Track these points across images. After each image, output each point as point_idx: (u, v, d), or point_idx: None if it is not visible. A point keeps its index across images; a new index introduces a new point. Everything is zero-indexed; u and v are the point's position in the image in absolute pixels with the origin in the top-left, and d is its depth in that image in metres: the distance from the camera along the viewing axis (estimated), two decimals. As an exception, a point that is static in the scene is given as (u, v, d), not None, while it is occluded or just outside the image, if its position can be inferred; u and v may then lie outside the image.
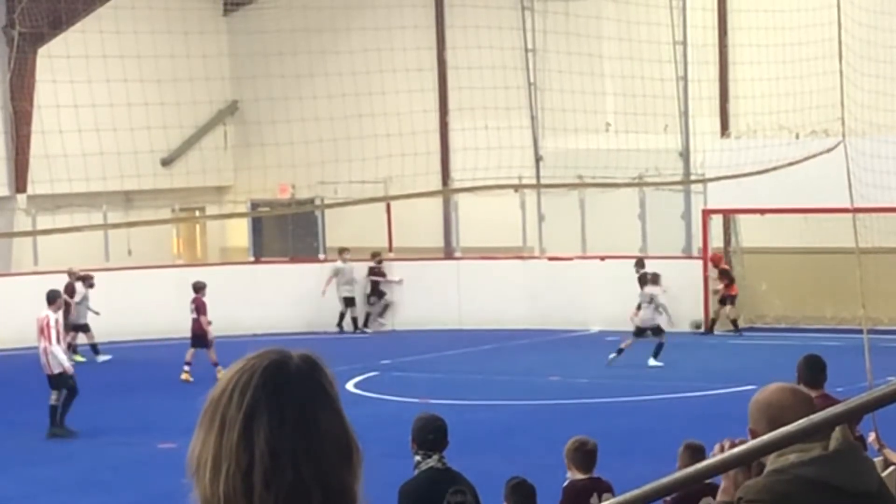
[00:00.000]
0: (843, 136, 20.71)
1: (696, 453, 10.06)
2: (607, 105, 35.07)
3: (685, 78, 34.42)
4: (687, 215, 34.23)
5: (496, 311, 33.64)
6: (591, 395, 24.23)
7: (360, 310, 35.00)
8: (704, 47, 34.16)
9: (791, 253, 33.05)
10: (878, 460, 10.60)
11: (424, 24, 36.74)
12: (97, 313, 30.81)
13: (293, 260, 36.92)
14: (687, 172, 34.04)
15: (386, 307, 35.15)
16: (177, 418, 19.32)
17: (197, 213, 38.62)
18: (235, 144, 39.59)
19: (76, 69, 31.25)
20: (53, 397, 21.89)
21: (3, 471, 19.52)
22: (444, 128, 37.43)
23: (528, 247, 35.85)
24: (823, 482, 4.31)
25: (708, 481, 6.81)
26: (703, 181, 31.44)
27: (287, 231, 38.90)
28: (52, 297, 22.59)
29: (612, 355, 27.70)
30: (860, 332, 17.57)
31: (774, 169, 23.74)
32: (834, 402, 7.91)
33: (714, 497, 5.17)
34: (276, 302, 33.96)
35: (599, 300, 33.12)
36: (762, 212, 32.18)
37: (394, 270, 35.19)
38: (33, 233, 32.82)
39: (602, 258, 33.73)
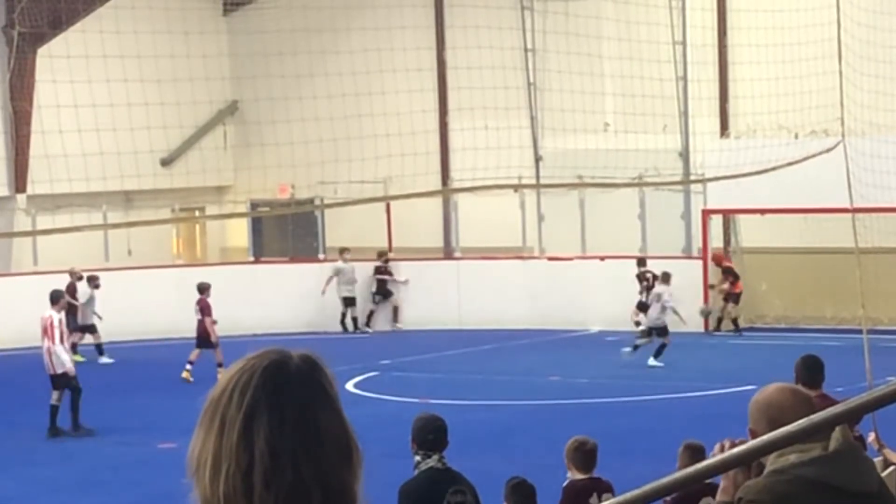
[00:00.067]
0: (843, 136, 20.72)
1: (696, 453, 10.06)
2: (607, 105, 35.07)
3: (685, 78, 34.43)
4: (687, 215, 34.23)
5: (496, 311, 33.65)
6: (591, 395, 24.23)
7: (361, 309, 34.96)
8: (704, 47, 34.16)
9: (791, 253, 33.06)
10: (878, 460, 10.60)
11: (424, 24, 36.74)
12: (100, 318, 30.83)
13: (293, 260, 36.92)
14: (686, 172, 34.04)
15: (396, 310, 35.08)
16: (177, 418, 19.31)
17: (197, 213, 38.62)
18: (235, 144, 39.59)
19: (76, 69, 31.25)
20: (54, 397, 21.88)
21: (3, 471, 19.53)
22: (443, 128, 37.44)
23: (527, 247, 35.85)
24: (823, 482, 4.31)
25: (708, 481, 6.81)
26: (703, 181, 31.45)
27: (287, 231, 38.90)
28: (55, 297, 22.60)
29: (627, 349, 27.80)
30: (860, 332, 17.56)
31: (774, 169, 23.75)
32: (832, 402, 7.90)
33: (714, 497, 5.17)
34: (276, 302, 33.96)
35: (599, 300, 33.13)
36: (762, 212, 32.18)
37: (400, 270, 35.15)
38: (33, 233, 32.82)
39: (602, 258, 33.73)
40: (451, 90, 37.01)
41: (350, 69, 34.35)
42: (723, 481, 4.54)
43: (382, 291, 35.11)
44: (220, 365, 25.14)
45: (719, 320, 32.83)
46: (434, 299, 34.39)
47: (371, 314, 35.11)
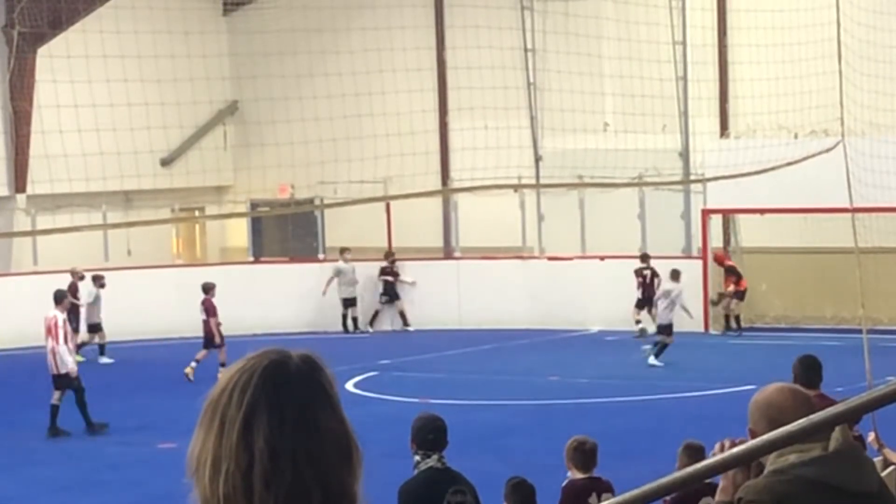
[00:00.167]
0: (843, 135, 20.72)
1: (696, 453, 10.06)
2: (607, 105, 35.08)
3: (685, 78, 34.43)
4: (686, 215, 34.23)
5: (496, 311, 33.64)
6: (591, 395, 24.22)
7: (362, 309, 34.93)
8: (704, 47, 34.17)
9: (791, 253, 33.06)
10: (878, 460, 10.60)
11: (424, 24, 36.74)
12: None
13: (293, 260, 36.91)
14: (686, 172, 34.05)
15: (403, 314, 34.98)
16: (177, 418, 19.34)
17: (197, 213, 38.62)
18: (235, 144, 39.58)
19: (76, 69, 31.25)
20: (55, 397, 21.88)
21: (3, 471, 19.52)
22: (443, 128, 37.44)
23: (527, 247, 35.85)
24: (823, 482, 4.31)
25: (707, 481, 6.81)
26: (703, 181, 31.45)
27: (287, 231, 38.91)
28: (59, 297, 22.61)
29: (647, 347, 27.83)
30: (860, 332, 17.56)
31: (774, 169, 23.76)
32: (831, 402, 7.90)
33: (713, 497, 5.17)
34: (276, 302, 33.95)
35: (599, 300, 33.13)
36: (762, 212, 32.19)
37: (407, 271, 35.06)
38: (33, 233, 32.82)
39: (602, 258, 33.74)
40: (451, 90, 37.00)
41: (350, 69, 34.35)
42: (722, 481, 4.54)
43: (389, 293, 35.01)
44: (222, 365, 25.13)
45: (726, 318, 32.86)
46: (434, 299, 34.38)
47: (376, 314, 35.02)
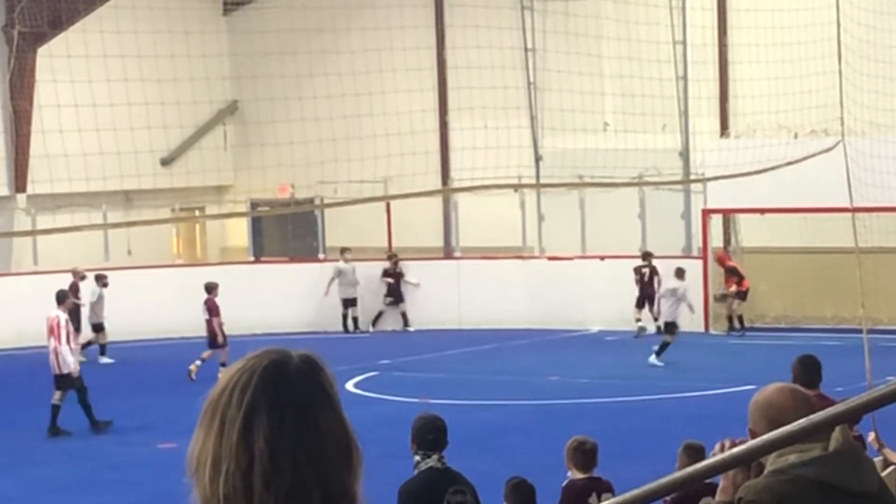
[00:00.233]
0: (843, 135, 20.72)
1: (696, 453, 10.06)
2: (607, 105, 35.09)
3: (685, 78, 34.44)
4: (687, 215, 34.24)
5: (496, 311, 33.64)
6: (591, 395, 24.22)
7: (363, 309, 34.90)
8: (704, 47, 34.17)
9: (791, 253, 33.06)
10: (878, 460, 10.60)
11: (424, 24, 36.75)
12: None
13: (293, 260, 36.91)
14: (686, 172, 34.05)
15: (405, 315, 34.96)
16: (177, 418, 19.34)
17: (197, 213, 38.62)
18: (235, 144, 39.59)
19: (76, 69, 31.25)
20: (56, 396, 21.88)
21: (3, 471, 19.52)
22: (443, 127, 37.44)
23: (527, 247, 35.84)
24: (823, 482, 4.31)
25: (708, 481, 6.81)
26: (703, 181, 31.46)
27: (287, 231, 38.91)
28: (61, 298, 22.62)
29: (674, 350, 27.91)
30: (860, 331, 17.57)
31: (774, 168, 23.76)
32: (830, 402, 7.90)
33: (714, 497, 5.17)
34: (276, 302, 33.95)
35: (599, 300, 33.13)
36: (762, 211, 32.19)
37: (411, 271, 34.98)
38: (33, 233, 32.82)
39: (602, 258, 33.74)
40: (451, 90, 37.01)
41: (350, 69, 34.36)
42: (722, 481, 4.53)
43: (393, 294, 34.94)
44: (222, 365, 25.11)
45: (730, 319, 32.87)
46: (434, 299, 34.38)
47: (380, 315, 34.96)
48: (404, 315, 34.87)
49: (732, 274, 32.76)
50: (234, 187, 39.50)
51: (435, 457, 9.64)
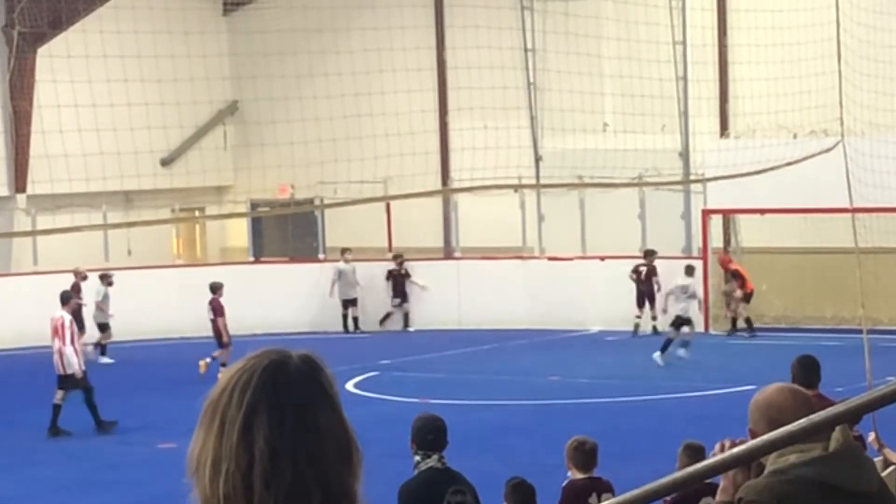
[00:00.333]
0: (842, 135, 20.72)
1: (696, 453, 10.06)
2: (606, 105, 35.09)
3: (685, 78, 34.44)
4: (687, 215, 34.25)
5: (496, 311, 33.64)
6: (591, 395, 24.22)
7: (364, 308, 34.89)
8: (704, 47, 34.17)
9: (791, 253, 33.06)
10: (878, 460, 10.60)
11: (424, 24, 36.74)
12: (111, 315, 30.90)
13: (293, 260, 36.91)
14: (686, 172, 34.05)
15: (407, 315, 34.95)
16: (177, 418, 19.33)
17: (197, 213, 38.61)
18: (235, 144, 39.58)
19: (76, 69, 31.26)
20: (58, 396, 21.88)
21: (3, 471, 19.52)
22: (443, 128, 37.44)
23: (527, 247, 35.84)
24: (824, 482, 4.31)
25: (708, 481, 6.81)
26: (703, 181, 31.46)
27: (287, 231, 38.91)
28: (65, 298, 22.63)
29: (682, 351, 27.83)
30: (860, 332, 17.57)
31: (773, 169, 23.76)
32: (829, 402, 7.90)
33: (714, 497, 5.17)
34: (276, 302, 33.95)
35: (599, 300, 33.14)
36: (762, 212, 32.19)
37: (417, 273, 34.89)
38: (33, 233, 32.82)
39: (602, 258, 33.74)
40: (451, 90, 37.01)
41: (350, 69, 34.36)
42: (722, 481, 4.54)
43: (400, 294, 34.92)
44: (223, 365, 25.11)
45: (733, 320, 32.86)
46: (434, 299, 34.39)
47: (388, 315, 34.92)
48: (406, 315, 34.89)
49: (736, 277, 32.72)
50: (234, 187, 39.49)
51: (435, 457, 9.64)
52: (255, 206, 36.91)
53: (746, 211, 32.95)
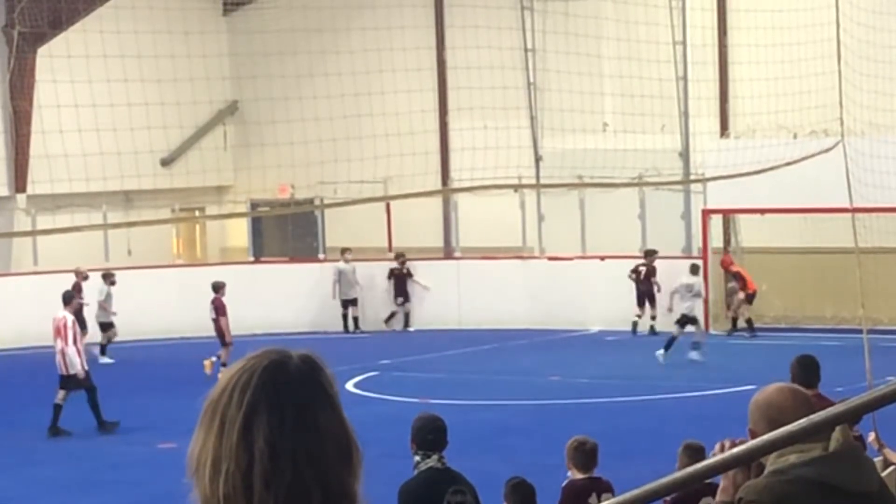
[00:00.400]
0: (842, 136, 20.71)
1: (696, 453, 10.06)
2: (606, 105, 35.09)
3: (685, 78, 34.44)
4: (687, 215, 34.25)
5: (496, 311, 33.64)
6: (591, 395, 24.22)
7: (365, 308, 34.89)
8: (704, 47, 34.17)
9: (791, 253, 33.06)
10: (878, 460, 10.60)
11: (424, 24, 36.75)
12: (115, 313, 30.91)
13: (293, 260, 36.91)
14: (686, 172, 34.05)
15: (408, 315, 34.96)
16: (177, 418, 19.32)
17: (197, 213, 38.61)
18: (235, 144, 39.59)
19: (76, 69, 31.25)
20: (59, 396, 21.88)
21: (3, 471, 19.53)
22: (443, 128, 37.44)
23: (527, 247, 35.85)
24: (824, 483, 4.31)
25: (708, 481, 6.81)
26: (703, 181, 31.46)
27: (287, 231, 38.91)
28: (68, 298, 22.63)
29: (694, 353, 27.79)
30: (860, 332, 17.57)
31: (773, 169, 23.75)
32: (828, 402, 7.90)
33: (714, 497, 5.17)
34: (276, 302, 33.96)
35: (599, 300, 33.13)
36: (762, 212, 32.19)
37: (420, 273, 34.86)
38: (33, 233, 32.82)
39: (602, 258, 33.74)
40: (451, 90, 37.01)
41: (350, 69, 34.36)
42: (722, 481, 4.53)
43: (403, 293, 34.92)
44: (223, 365, 25.12)
45: (734, 321, 32.85)
46: (434, 299, 34.40)
47: (393, 315, 34.92)
48: (406, 315, 34.90)
49: (737, 279, 32.70)
50: (234, 187, 39.50)
51: (435, 457, 9.64)
52: (255, 206, 36.92)
53: (746, 211, 32.95)
